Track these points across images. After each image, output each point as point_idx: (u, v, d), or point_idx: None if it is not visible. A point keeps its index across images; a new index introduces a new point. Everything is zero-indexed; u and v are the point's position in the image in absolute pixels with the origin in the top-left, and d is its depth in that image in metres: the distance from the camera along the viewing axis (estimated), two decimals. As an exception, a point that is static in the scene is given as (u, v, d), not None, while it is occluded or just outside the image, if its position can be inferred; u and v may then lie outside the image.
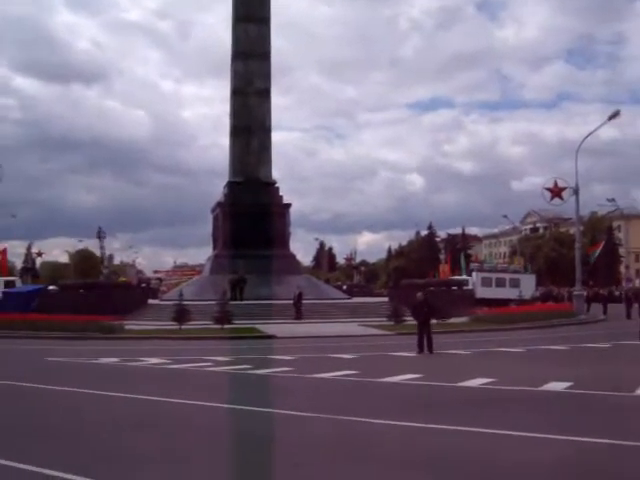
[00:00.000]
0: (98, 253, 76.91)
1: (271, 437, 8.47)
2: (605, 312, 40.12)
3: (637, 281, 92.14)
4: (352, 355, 19.35)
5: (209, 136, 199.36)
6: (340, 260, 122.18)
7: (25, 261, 74.78)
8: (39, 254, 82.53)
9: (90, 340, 26.94)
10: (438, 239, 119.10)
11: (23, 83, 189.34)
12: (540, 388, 12.22)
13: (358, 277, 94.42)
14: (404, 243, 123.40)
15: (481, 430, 8.58)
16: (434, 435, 8.55)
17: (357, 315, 36.87)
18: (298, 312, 36.11)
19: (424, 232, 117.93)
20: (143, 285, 61.67)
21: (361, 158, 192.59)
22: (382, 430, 8.91)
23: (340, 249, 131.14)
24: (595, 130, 41.02)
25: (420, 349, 19.85)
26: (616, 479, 6.68)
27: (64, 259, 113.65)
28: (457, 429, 8.70)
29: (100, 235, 72.29)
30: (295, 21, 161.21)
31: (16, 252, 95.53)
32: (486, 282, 46.63)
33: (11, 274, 57.17)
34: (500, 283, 46.81)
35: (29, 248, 74.78)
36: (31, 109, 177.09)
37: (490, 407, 10.64)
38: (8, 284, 44.26)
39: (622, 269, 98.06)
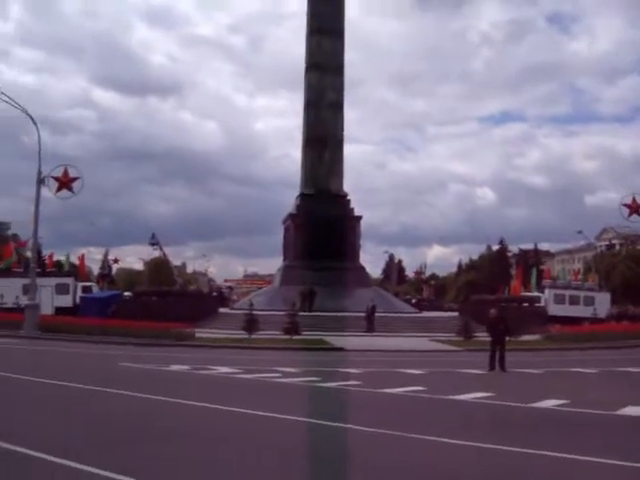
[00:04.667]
0: (167, 260, 76.87)
1: (340, 453, 8.48)
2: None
3: None
4: (421, 370, 19.20)
5: (281, 148, 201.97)
6: (409, 273, 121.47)
7: (102, 267, 76.81)
8: (115, 261, 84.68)
9: (162, 347, 27.48)
10: (509, 254, 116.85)
11: (102, 96, 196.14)
12: (616, 412, 11.81)
13: (427, 291, 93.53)
14: (475, 257, 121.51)
15: (553, 454, 8.36)
16: (503, 457, 8.38)
17: (426, 329, 36.59)
18: (370, 325, 36.02)
19: (495, 246, 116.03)
20: (215, 294, 62.48)
21: (431, 171, 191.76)
22: (451, 450, 8.79)
23: (409, 262, 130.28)
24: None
25: (491, 367, 19.54)
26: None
27: (139, 266, 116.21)
28: (527, 452, 8.50)
29: (153, 242, 67.86)
30: (365, 35, 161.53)
31: (94, 258, 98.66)
32: (559, 299, 45.51)
33: (88, 279, 58.88)
34: (574, 301, 45.58)
35: (106, 255, 76.77)
36: (109, 121, 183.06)
37: (563, 430, 10.38)
38: (86, 289, 45.66)
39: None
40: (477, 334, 30.35)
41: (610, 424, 11.01)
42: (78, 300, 42.35)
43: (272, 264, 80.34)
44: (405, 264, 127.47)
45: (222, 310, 45.35)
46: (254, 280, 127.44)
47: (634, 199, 38.12)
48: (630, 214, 38.27)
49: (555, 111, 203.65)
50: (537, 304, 45.14)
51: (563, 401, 13.00)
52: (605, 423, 11.08)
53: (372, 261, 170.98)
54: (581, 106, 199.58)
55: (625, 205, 38.24)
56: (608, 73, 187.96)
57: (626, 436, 10.03)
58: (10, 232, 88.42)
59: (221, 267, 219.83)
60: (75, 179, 33.83)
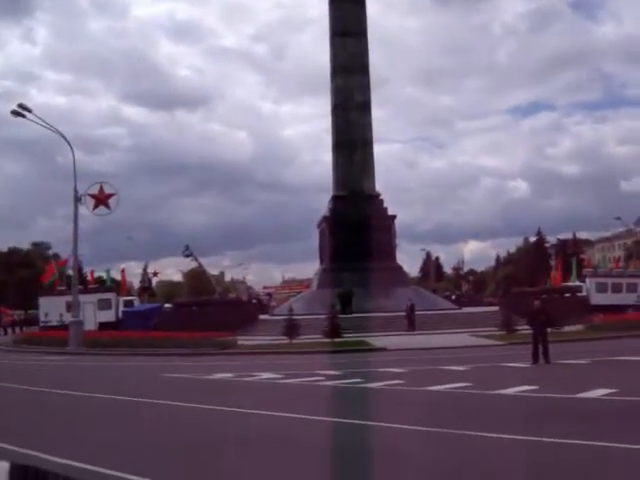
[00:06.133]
0: (204, 270, 77.03)
1: (385, 452, 8.49)
2: None
3: None
4: (464, 367, 19.06)
5: (310, 152, 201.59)
6: (447, 270, 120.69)
7: (142, 281, 77.73)
8: (155, 274, 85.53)
9: (205, 356, 27.68)
10: (547, 245, 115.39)
11: (131, 112, 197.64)
12: (666, 399, 11.67)
13: (466, 286, 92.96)
14: (511, 250, 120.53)
15: (605, 444, 8.30)
16: (556, 449, 8.33)
17: (467, 325, 36.25)
18: (411, 324, 35.89)
19: (532, 238, 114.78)
20: (254, 301, 62.83)
21: (462, 166, 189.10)
22: (502, 445, 8.76)
23: (445, 259, 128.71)
24: None
25: (535, 359, 19.35)
26: None
27: (177, 278, 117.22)
28: (580, 443, 8.44)
29: (187, 253, 64.77)
30: (387, 34, 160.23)
31: (133, 272, 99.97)
32: (601, 288, 44.82)
33: (130, 294, 59.64)
34: (616, 288, 44.86)
35: (145, 268, 77.62)
36: (140, 136, 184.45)
37: (613, 419, 10.26)
38: (127, 303, 46.30)
39: None
40: (519, 327, 30.07)
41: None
42: (121, 314, 42.93)
43: (309, 268, 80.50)
44: (442, 261, 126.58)
45: (262, 317, 45.55)
46: (292, 285, 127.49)
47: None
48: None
49: (584, 98, 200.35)
50: (579, 294, 44.57)
51: (612, 390, 12.83)
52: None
53: (408, 260, 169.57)
54: (611, 91, 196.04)
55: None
56: (636, 55, 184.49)
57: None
58: (51, 252, 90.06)
59: (259, 274, 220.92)
60: (111, 195, 34.29)
